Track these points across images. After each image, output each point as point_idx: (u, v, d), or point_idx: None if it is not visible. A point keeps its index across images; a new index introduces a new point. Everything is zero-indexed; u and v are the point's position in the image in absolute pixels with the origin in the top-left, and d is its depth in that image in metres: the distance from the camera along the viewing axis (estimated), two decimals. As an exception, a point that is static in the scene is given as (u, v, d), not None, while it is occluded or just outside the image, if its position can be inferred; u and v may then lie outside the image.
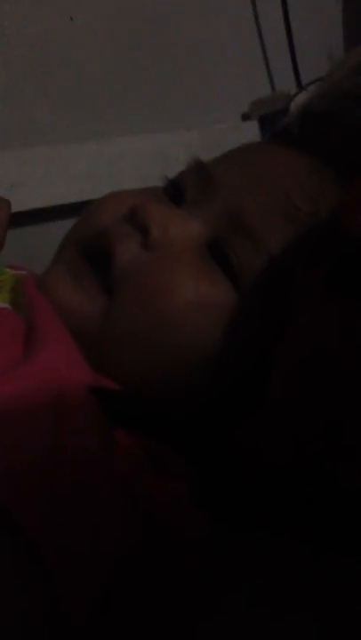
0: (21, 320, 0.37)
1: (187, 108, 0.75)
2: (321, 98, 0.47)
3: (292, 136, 0.45)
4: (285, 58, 0.83)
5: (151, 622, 0.27)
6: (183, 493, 0.32)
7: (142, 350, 0.37)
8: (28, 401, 0.29)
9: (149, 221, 0.38)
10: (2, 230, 0.40)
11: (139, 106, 0.70)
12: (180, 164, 0.45)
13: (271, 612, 0.27)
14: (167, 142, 0.68)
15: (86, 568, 0.26)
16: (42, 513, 0.26)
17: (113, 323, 0.37)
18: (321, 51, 0.84)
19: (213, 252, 0.38)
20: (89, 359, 0.34)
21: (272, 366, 0.32)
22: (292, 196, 0.38)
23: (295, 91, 0.76)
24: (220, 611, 0.27)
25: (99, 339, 0.37)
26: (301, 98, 0.68)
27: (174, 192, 0.42)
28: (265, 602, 0.27)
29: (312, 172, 0.40)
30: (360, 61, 0.45)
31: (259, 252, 0.37)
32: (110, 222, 0.40)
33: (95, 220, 0.41)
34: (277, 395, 0.32)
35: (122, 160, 0.65)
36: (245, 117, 0.80)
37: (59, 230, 0.46)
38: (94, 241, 0.40)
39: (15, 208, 0.58)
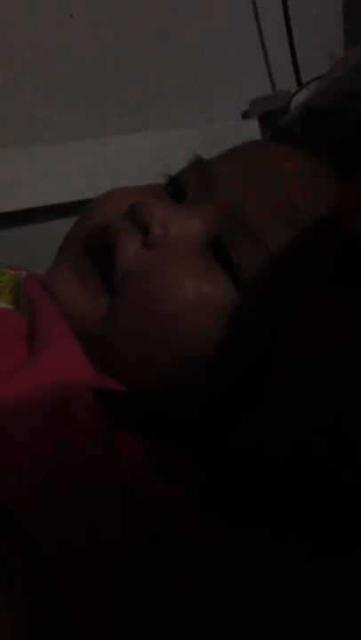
0: (24, 320, 0.37)
1: (187, 106, 0.75)
2: (321, 96, 0.47)
3: (293, 134, 0.45)
4: (286, 56, 0.83)
5: (152, 620, 0.27)
6: (185, 495, 0.32)
7: (145, 349, 0.37)
8: (32, 403, 0.29)
9: (150, 219, 0.38)
10: None
11: (139, 104, 0.70)
12: (180, 163, 0.45)
13: (271, 608, 0.27)
14: (167, 140, 0.68)
15: (90, 567, 0.26)
16: (46, 513, 0.26)
17: (116, 322, 0.37)
18: (321, 49, 0.84)
19: (214, 250, 0.38)
20: (92, 359, 0.34)
21: (273, 364, 0.32)
22: (292, 195, 0.38)
23: (295, 89, 0.76)
24: (219, 607, 0.27)
25: (102, 338, 0.37)
26: (302, 96, 0.68)
27: (175, 189, 0.42)
28: (264, 598, 0.27)
29: (313, 171, 0.40)
30: (360, 59, 0.45)
31: (259, 250, 0.37)
32: (112, 219, 0.40)
33: (97, 218, 0.41)
34: (279, 392, 0.32)
35: (122, 158, 0.65)
36: (246, 116, 0.80)
37: (59, 229, 0.46)
38: (96, 238, 0.40)
39: (15, 207, 0.58)
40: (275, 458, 0.31)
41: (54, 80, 0.63)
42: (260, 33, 0.82)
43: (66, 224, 0.45)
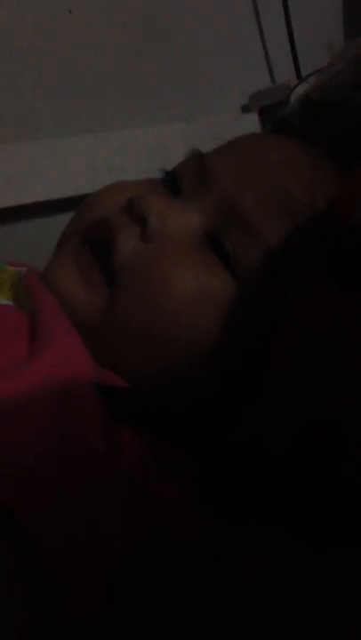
0: (24, 316, 0.37)
1: (186, 100, 0.74)
2: (321, 89, 0.46)
3: (292, 126, 0.45)
4: (285, 49, 0.82)
5: (151, 617, 0.27)
6: (186, 492, 0.32)
7: (143, 342, 0.37)
8: (34, 398, 0.29)
9: (147, 212, 0.38)
10: None
11: (138, 98, 0.70)
12: (179, 157, 0.45)
13: (268, 605, 0.27)
14: (166, 135, 0.68)
15: (92, 562, 0.26)
16: (46, 509, 0.26)
17: (114, 315, 0.37)
18: (321, 42, 0.84)
19: (212, 242, 0.38)
20: (94, 352, 0.34)
21: (270, 357, 0.32)
22: (290, 187, 0.38)
23: (295, 82, 0.75)
24: (217, 605, 0.27)
25: (101, 331, 0.37)
26: (301, 89, 0.68)
27: (172, 183, 0.42)
28: (263, 594, 0.27)
29: (311, 163, 0.40)
30: (360, 52, 0.45)
31: (256, 242, 0.37)
32: (110, 213, 0.40)
33: (95, 211, 0.41)
34: (276, 385, 0.32)
35: (121, 153, 0.65)
36: (245, 109, 0.80)
37: (58, 224, 0.46)
38: (95, 231, 0.40)
39: (13, 202, 0.58)
40: (273, 452, 0.31)
41: (53, 75, 0.63)
42: (260, 26, 0.82)
43: (65, 219, 0.45)
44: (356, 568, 0.27)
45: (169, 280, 0.37)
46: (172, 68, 0.73)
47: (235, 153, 0.42)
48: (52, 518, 0.26)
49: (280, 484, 0.31)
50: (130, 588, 0.27)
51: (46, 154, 0.60)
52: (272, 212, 0.38)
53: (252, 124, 0.75)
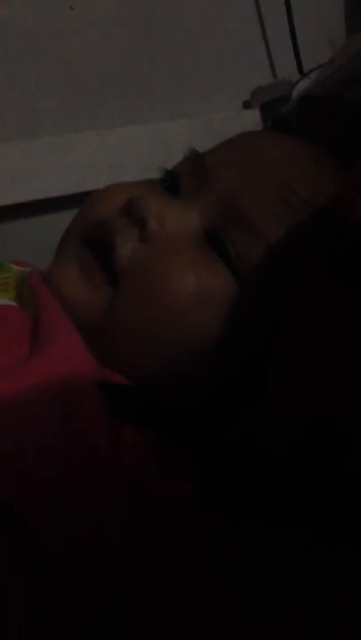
0: (27, 316, 0.37)
1: (188, 96, 0.74)
2: (322, 84, 0.46)
3: (291, 123, 0.44)
4: (287, 45, 0.82)
5: (151, 616, 0.27)
6: (187, 491, 0.32)
7: (145, 342, 0.37)
8: (36, 398, 0.29)
9: (146, 214, 0.38)
10: None
11: (139, 95, 0.70)
12: (181, 154, 0.44)
13: (268, 604, 0.27)
14: (168, 131, 0.68)
15: (91, 559, 0.26)
16: (47, 505, 0.26)
17: (116, 315, 0.37)
18: (322, 38, 0.83)
19: (212, 242, 0.38)
20: (95, 352, 0.34)
21: (271, 354, 0.32)
22: (289, 184, 0.38)
23: (297, 78, 0.75)
24: (217, 604, 0.27)
25: (103, 330, 0.37)
26: (303, 85, 0.68)
27: (171, 183, 0.42)
28: (263, 594, 0.27)
29: (310, 160, 0.40)
30: (361, 47, 0.45)
31: (256, 240, 0.37)
32: (109, 215, 0.40)
33: (95, 213, 0.42)
34: (276, 383, 0.32)
35: (122, 150, 0.65)
36: (247, 105, 0.80)
37: (60, 222, 0.46)
38: (95, 232, 0.40)
39: (16, 200, 0.58)
40: (273, 450, 0.31)
41: (54, 72, 0.63)
42: (261, 21, 0.82)
43: (67, 217, 0.45)
44: (356, 568, 0.28)
45: (169, 280, 0.37)
46: (173, 65, 0.73)
47: (233, 151, 0.42)
48: (53, 514, 0.26)
49: (280, 482, 0.31)
50: (130, 586, 0.27)
51: (47, 152, 0.60)
52: (273, 209, 0.38)
53: (253, 119, 0.75)
